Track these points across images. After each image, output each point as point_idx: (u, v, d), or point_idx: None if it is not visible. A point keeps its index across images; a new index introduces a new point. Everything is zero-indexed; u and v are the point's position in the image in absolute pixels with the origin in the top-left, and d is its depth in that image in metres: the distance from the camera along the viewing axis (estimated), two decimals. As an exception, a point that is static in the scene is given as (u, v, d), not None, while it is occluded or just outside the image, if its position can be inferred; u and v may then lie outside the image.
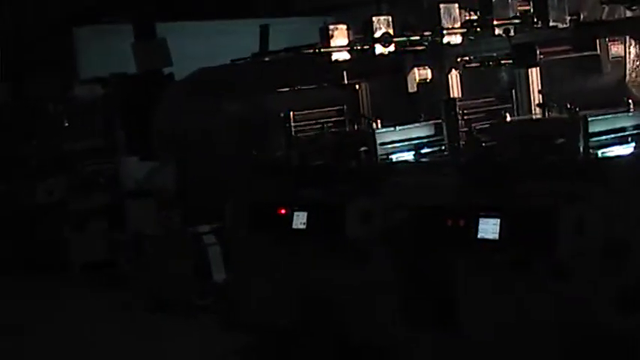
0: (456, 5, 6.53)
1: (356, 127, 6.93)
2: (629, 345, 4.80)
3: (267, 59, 8.66)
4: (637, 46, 6.03)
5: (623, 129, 5.49)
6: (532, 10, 6.11)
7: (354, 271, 6.09)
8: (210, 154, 8.39)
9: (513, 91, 6.35)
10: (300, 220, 6.35)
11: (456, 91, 6.63)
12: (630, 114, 5.52)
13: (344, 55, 7.10)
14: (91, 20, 14.01)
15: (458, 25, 6.47)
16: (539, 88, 6.06)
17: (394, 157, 6.40)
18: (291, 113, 7.10)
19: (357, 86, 7.31)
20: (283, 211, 6.48)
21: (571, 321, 4.97)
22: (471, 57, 6.56)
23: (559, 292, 4.98)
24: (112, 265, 9.41)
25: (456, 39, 6.51)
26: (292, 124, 7.10)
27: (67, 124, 10.40)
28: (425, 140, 6.54)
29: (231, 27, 14.29)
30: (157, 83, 11.05)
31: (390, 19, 6.88)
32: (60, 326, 8.15)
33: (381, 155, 6.37)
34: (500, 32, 6.08)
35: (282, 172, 6.92)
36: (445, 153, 6.34)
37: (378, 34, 6.75)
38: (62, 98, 10.50)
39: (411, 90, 6.98)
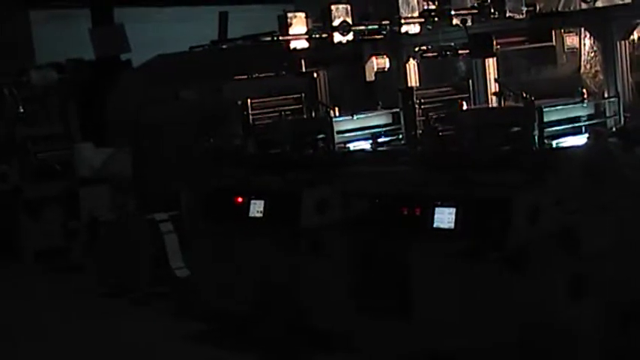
0: (415, -6, 6.56)
1: (314, 115, 6.96)
2: (579, 332, 4.88)
3: (225, 47, 8.64)
4: (591, 38, 6.11)
5: (577, 119, 5.57)
6: (489, 1, 6.16)
7: (309, 259, 6.12)
8: (166, 141, 8.36)
9: (470, 80, 6.41)
10: (257, 208, 6.37)
11: (413, 81, 6.66)
12: (584, 104, 5.60)
13: (302, 44, 7.11)
14: (48, 4, 13.88)
15: (416, 14, 6.50)
16: (496, 77, 6.12)
17: (351, 146, 6.43)
18: (249, 101, 7.11)
19: (315, 74, 7.33)
20: (240, 200, 6.49)
21: (524, 309, 5.03)
22: (429, 46, 6.59)
23: (513, 281, 5.04)
24: (67, 253, 9.35)
25: (414, 28, 6.55)
26: (250, 112, 7.12)
27: (21, 110, 10.29)
28: (382, 129, 6.58)
29: (190, 14, 14.25)
30: (114, 70, 10.98)
31: (349, 7, 6.89)
32: (12, 312, 8.10)
33: (339, 144, 6.41)
34: (458, 22, 6.11)
35: (240, 160, 6.92)
36: (402, 142, 6.39)
37: (336, 23, 6.77)
38: (17, 83, 10.38)
39: (368, 79, 7.00)
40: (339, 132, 6.41)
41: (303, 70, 7.18)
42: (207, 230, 6.92)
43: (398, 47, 6.64)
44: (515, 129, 5.31)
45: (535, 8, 6.21)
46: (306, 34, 7.03)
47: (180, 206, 7.45)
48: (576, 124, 5.56)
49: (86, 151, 9.40)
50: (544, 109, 5.30)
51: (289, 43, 7.09)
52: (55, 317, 7.84)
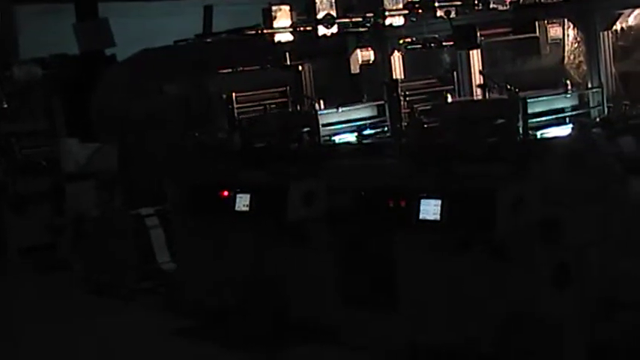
0: (399, -13, 6.58)
1: (299, 108, 6.97)
2: (564, 321, 4.92)
3: (210, 40, 8.64)
4: (575, 29, 6.14)
5: (561, 110, 5.60)
6: (473, -8, 6.19)
7: (296, 252, 6.14)
8: (152, 135, 8.36)
9: (455, 72, 6.43)
10: (243, 202, 6.38)
11: (398, 73, 6.69)
12: (568, 95, 5.63)
13: (287, 37, 7.11)
14: (32, -1, 13.83)
15: (400, 6, 6.52)
16: (480, 69, 6.14)
17: (337, 139, 6.45)
18: (234, 95, 7.11)
19: (299, 67, 7.33)
20: (226, 193, 6.50)
21: (510, 298, 5.07)
22: (413, 39, 6.61)
23: (498, 272, 5.07)
24: (53, 249, 9.34)
25: (398, 20, 6.56)
26: (235, 105, 7.12)
27: (5, 106, 10.25)
28: (367, 121, 6.59)
29: (175, 8, 14.22)
30: (98, 64, 10.95)
31: (333, 0, 6.90)
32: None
33: (324, 137, 6.42)
34: (442, 14, 6.13)
35: (225, 154, 6.93)
36: (387, 134, 6.40)
37: (320, 16, 6.78)
38: (0, 79, 10.34)
39: (353, 71, 7.03)
40: (324, 125, 6.42)
41: (288, 63, 7.19)
42: (193, 224, 6.93)
43: (382, 39, 6.66)
44: (500, 121, 5.33)
45: (519, -1, 6.23)
46: (290, 27, 7.04)
47: (166, 201, 7.45)
48: (560, 115, 5.59)
49: (71, 147, 9.37)
50: (528, 101, 5.32)
51: (274, 36, 7.10)
52: (41, 314, 7.83)
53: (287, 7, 7.06)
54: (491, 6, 6.11)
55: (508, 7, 6.07)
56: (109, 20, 11.86)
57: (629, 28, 6.18)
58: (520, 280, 5.01)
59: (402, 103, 6.20)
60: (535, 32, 6.37)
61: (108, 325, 7.28)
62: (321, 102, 6.55)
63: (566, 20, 6.26)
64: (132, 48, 9.74)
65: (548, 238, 4.92)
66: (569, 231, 4.88)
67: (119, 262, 7.91)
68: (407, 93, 6.25)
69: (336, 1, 6.83)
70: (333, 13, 6.82)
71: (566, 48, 6.37)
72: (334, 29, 6.79)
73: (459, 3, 6.23)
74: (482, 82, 5.91)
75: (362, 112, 6.64)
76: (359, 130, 6.41)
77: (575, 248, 4.92)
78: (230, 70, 7.78)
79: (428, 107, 6.06)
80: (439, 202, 5.25)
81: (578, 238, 4.92)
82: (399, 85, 6.26)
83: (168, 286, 7.49)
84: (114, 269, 7.97)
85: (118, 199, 8.40)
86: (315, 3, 6.82)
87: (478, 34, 5.83)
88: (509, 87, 5.43)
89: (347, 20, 6.84)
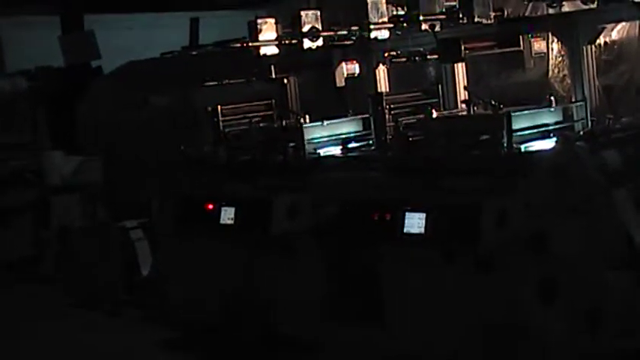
0: (384, 0, 6.58)
1: (284, 122, 6.96)
2: (549, 335, 4.91)
3: (195, 53, 8.62)
4: (558, 43, 6.15)
5: (545, 124, 5.61)
6: (458, 6, 6.18)
7: (281, 265, 6.13)
8: (137, 148, 8.34)
9: (440, 85, 6.44)
10: (227, 215, 6.38)
11: (383, 86, 6.69)
12: (552, 109, 5.64)
13: (272, 50, 7.10)
14: (18, 11, 13.78)
15: (385, 19, 6.51)
16: (465, 83, 6.15)
17: (322, 152, 6.44)
18: (219, 108, 7.11)
19: (285, 81, 7.33)
20: (211, 207, 6.50)
21: (495, 313, 5.06)
22: (398, 52, 6.61)
23: (483, 286, 5.07)
24: (38, 263, 9.29)
25: (383, 34, 6.56)
26: (220, 118, 7.11)
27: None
28: (352, 135, 6.59)
29: (161, 20, 14.20)
30: (84, 77, 10.93)
31: (319, 13, 6.90)
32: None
33: (309, 150, 6.41)
34: (427, 27, 6.13)
35: (210, 167, 6.92)
36: (372, 148, 6.40)
37: (306, 29, 6.76)
38: (-16, 91, 10.32)
39: (339, 85, 7.02)
40: (309, 138, 6.42)
41: (273, 76, 7.18)
42: (178, 237, 6.91)
43: (367, 53, 6.66)
44: (485, 136, 5.33)
45: (503, 13, 6.24)
46: (275, 40, 7.03)
47: (151, 213, 7.43)
48: (544, 129, 5.59)
49: (56, 160, 9.35)
50: (512, 115, 5.33)
51: (259, 49, 7.09)
52: (24, 328, 7.78)
53: (272, 20, 7.05)
54: (476, 20, 6.10)
55: (492, 20, 6.08)
56: (95, 32, 11.84)
57: (612, 42, 6.22)
58: (505, 294, 5.01)
59: (387, 116, 6.19)
60: (519, 46, 6.36)
61: (92, 338, 7.25)
62: (306, 115, 6.55)
63: (550, 34, 6.27)
64: (118, 60, 9.73)
65: (533, 251, 4.92)
66: (554, 244, 4.88)
67: (104, 276, 7.88)
68: (392, 106, 6.24)
69: (321, 15, 6.82)
70: (319, 26, 6.81)
71: (551, 62, 6.39)
72: (319, 42, 6.77)
73: (443, 17, 6.23)
74: (466, 97, 5.91)
75: (347, 125, 6.64)
76: (344, 143, 6.40)
77: (560, 261, 4.91)
78: (216, 83, 7.77)
79: (413, 120, 6.07)
80: (424, 215, 5.26)
81: (563, 251, 4.92)
82: (384, 98, 6.26)
83: (153, 300, 7.46)
84: (98, 283, 7.94)
85: (103, 211, 8.38)
86: (300, 16, 6.81)
87: (462, 47, 5.83)
88: (493, 103, 5.43)
89: (332, 33, 6.83)
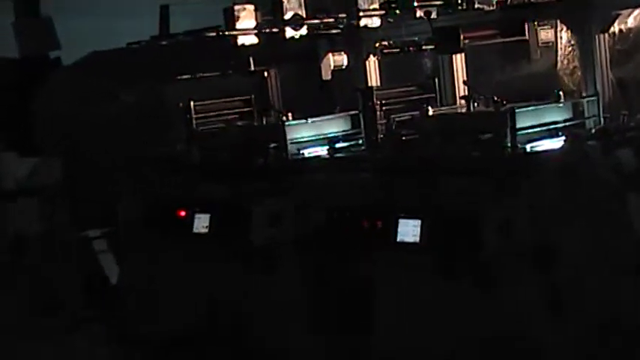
0: (374, -16, 6.64)
1: (264, 119, 6.99)
2: (556, 352, 4.96)
3: (166, 43, 8.64)
4: (568, 31, 6.20)
5: (552, 121, 5.65)
6: (456, -9, 6.25)
7: (261, 278, 6.16)
8: (101, 148, 8.36)
9: (437, 79, 6.49)
10: (201, 223, 6.40)
11: (374, 80, 6.74)
12: (561, 105, 5.69)
13: (251, 39, 7.14)
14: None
15: (376, 6, 6.56)
16: (464, 76, 6.19)
17: (306, 153, 6.49)
18: (192, 104, 7.13)
19: (265, 74, 7.37)
20: (183, 213, 6.54)
21: (497, 329, 5.11)
22: (390, 42, 6.65)
23: (484, 299, 5.11)
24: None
25: (374, 22, 6.61)
26: (193, 115, 7.14)
27: None
28: (340, 134, 6.64)
29: (128, 6, 14.18)
30: (41, 68, 10.92)
31: (302, -1, 6.95)
32: None
33: (292, 151, 6.45)
34: (422, 15, 6.19)
35: (182, 169, 6.94)
36: (362, 148, 6.44)
37: (288, 16, 6.81)
38: None
39: (325, 78, 7.07)
40: (292, 138, 6.46)
41: (252, 69, 7.21)
42: (146, 247, 6.93)
43: (356, 43, 6.71)
44: (486, 135, 5.38)
45: (506, -1, 6.30)
46: (255, 28, 7.07)
47: (117, 221, 7.45)
48: (552, 127, 5.64)
49: (9, 161, 9.34)
50: (517, 112, 5.38)
51: (236, 38, 7.12)
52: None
53: (251, 7, 7.09)
54: (477, 6, 6.17)
55: (495, 7, 6.13)
56: (54, 19, 11.83)
57: (628, 30, 6.26)
58: (509, 308, 5.05)
59: (378, 113, 6.24)
60: (524, 35, 6.43)
61: (48, 356, 7.25)
62: (289, 112, 6.59)
63: (558, 22, 6.32)
64: (79, 51, 9.73)
65: (539, 261, 4.96)
66: (562, 253, 4.93)
67: (63, 289, 7.89)
68: (383, 102, 6.29)
69: (305, 1, 6.86)
70: (302, 13, 6.85)
71: (559, 52, 6.44)
72: (303, 31, 6.82)
73: (440, 3, 6.28)
74: (466, 92, 5.96)
75: (334, 123, 6.68)
76: (331, 143, 6.44)
77: (569, 272, 4.96)
78: (188, 77, 7.79)
79: (407, 118, 6.11)
80: (418, 222, 5.30)
81: (573, 261, 4.96)
82: (375, 93, 6.30)
83: (117, 315, 7.47)
84: (58, 296, 7.95)
85: (63, 219, 8.38)
86: (282, 2, 6.85)
87: (462, 36, 5.88)
88: (495, 98, 5.48)
89: (317, 21, 6.88)
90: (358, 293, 5.66)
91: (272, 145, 6.47)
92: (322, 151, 6.47)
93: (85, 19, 13.27)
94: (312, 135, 6.56)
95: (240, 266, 6.27)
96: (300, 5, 6.87)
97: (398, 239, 5.36)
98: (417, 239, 5.29)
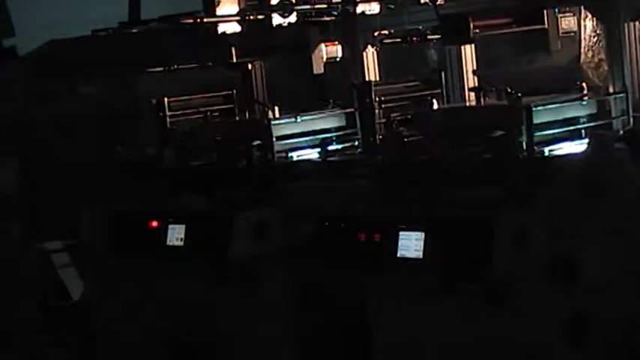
0: (373, -34, 6.65)
1: (247, 116, 6.98)
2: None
3: (136, 31, 8.63)
4: (593, 19, 6.20)
5: (575, 120, 5.65)
6: (465, -27, 6.25)
7: (243, 297, 6.14)
8: (63, 150, 8.35)
9: (443, 73, 6.49)
10: (176, 234, 6.40)
11: (372, 73, 6.74)
12: (584, 102, 5.69)
13: (233, 27, 7.14)
14: None
15: (375, -10, 6.58)
16: (474, 68, 6.19)
17: (295, 155, 6.48)
18: (166, 100, 7.12)
19: (249, 66, 7.36)
20: (155, 224, 6.53)
21: (512, 355, 5.09)
22: (391, 31, 6.65)
23: (495, 322, 5.10)
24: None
25: (373, 8, 6.61)
26: (167, 113, 7.13)
27: None
28: (334, 134, 6.64)
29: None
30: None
31: (292, -18, 6.95)
32: None
33: (279, 153, 6.45)
34: (427, 0, 6.19)
35: (155, 174, 6.93)
36: (359, 150, 6.45)
37: (275, 1, 6.81)
38: None
39: (316, 71, 7.06)
40: (279, 138, 6.46)
41: (235, 60, 7.21)
42: (114, 262, 6.91)
43: (352, 31, 6.72)
44: (498, 133, 5.37)
45: (522, -17, 6.31)
46: (237, 15, 7.07)
47: (80, 233, 7.42)
48: (574, 127, 5.64)
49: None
50: (534, 109, 5.37)
51: (217, 26, 7.12)
52: None
53: (234, -10, 7.10)
54: (488, -10, 6.18)
55: (509, -9, 6.14)
56: (8, 3, 11.82)
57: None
58: (523, 333, 5.04)
59: (376, 110, 6.24)
60: (543, 23, 6.42)
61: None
62: (276, 109, 6.58)
63: (582, 8, 6.32)
64: (38, 39, 9.71)
65: (558, 280, 4.95)
66: (585, 271, 4.92)
67: (20, 309, 7.87)
68: (383, 98, 6.30)
69: (294, -17, 6.87)
70: (292, -3, 6.86)
71: (583, 43, 6.44)
72: (292, 18, 6.82)
73: (447, -14, 6.30)
74: (476, 84, 5.96)
75: (327, 121, 6.69)
76: (323, 144, 6.43)
77: (592, 292, 4.95)
78: (162, 69, 7.78)
79: (409, 116, 6.10)
80: (422, 235, 5.30)
81: (596, 280, 4.95)
82: (373, 88, 6.31)
83: (80, 339, 7.46)
84: (13, 316, 7.93)
85: (19, 229, 8.36)
86: (268, -15, 6.87)
87: (471, 25, 5.87)
88: (509, 91, 5.47)
89: (308, 7, 6.88)
90: (353, 317, 5.65)
91: (256, 144, 6.44)
92: (313, 153, 6.47)
93: (45, 4, 13.27)
94: (301, 134, 6.57)
95: (219, 284, 6.24)
96: (289, -12, 6.88)
97: (398, 254, 5.36)
98: (420, 254, 5.29)
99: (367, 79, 6.67)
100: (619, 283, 4.99)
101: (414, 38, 6.61)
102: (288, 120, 6.57)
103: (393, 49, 6.78)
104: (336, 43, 7.00)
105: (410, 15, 6.44)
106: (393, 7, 6.60)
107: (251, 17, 7.05)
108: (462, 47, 6.26)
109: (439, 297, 5.27)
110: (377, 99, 6.28)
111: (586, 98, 5.72)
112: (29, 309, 7.83)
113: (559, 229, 5.00)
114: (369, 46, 6.73)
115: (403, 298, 5.42)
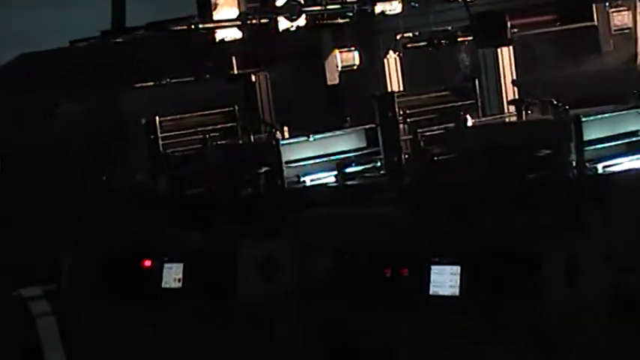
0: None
1: (252, 138, 6.99)
2: None
3: (122, 40, 8.66)
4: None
5: (631, 133, 5.64)
6: (500, -35, 6.26)
7: (251, 343, 6.15)
8: (41, 178, 8.37)
9: (477, 81, 6.48)
10: (173, 275, 6.41)
11: (395, 83, 6.75)
12: (643, 111, 5.70)
13: (233, 33, 7.16)
14: None
15: (396, -14, 6.61)
16: (513, 78, 6.20)
17: (308, 180, 6.49)
18: (158, 119, 7.13)
19: (252, 78, 7.38)
20: (149, 263, 6.54)
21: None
22: (416, 33, 6.67)
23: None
24: None
25: (394, 7, 6.62)
26: (159, 134, 7.13)
27: None
28: (352, 154, 6.64)
29: (72, -6, 14.28)
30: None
31: (300, -20, 6.98)
32: None
33: (290, 178, 6.45)
34: (456, -3, 6.23)
35: (147, 205, 6.95)
36: (381, 172, 6.44)
37: (280, 3, 6.83)
38: None
39: (330, 82, 7.08)
40: (289, 161, 6.46)
41: (236, 72, 7.24)
42: (100, 309, 6.92)
43: (371, 35, 6.72)
44: (544, 152, 5.37)
45: (567, -26, 6.33)
46: (237, 19, 7.09)
47: (62, 277, 7.44)
48: (630, 140, 5.63)
49: None
50: (584, 121, 5.36)
51: (214, 32, 7.14)
52: None
53: (233, -8, 7.12)
54: (527, -16, 6.20)
55: (551, -15, 6.16)
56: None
57: None
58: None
59: (400, 125, 6.24)
60: (592, 20, 6.43)
61: None
62: (285, 128, 6.59)
63: (638, 1, 6.33)
64: (10, 51, 9.76)
65: (617, 317, 4.94)
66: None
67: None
68: (408, 112, 6.29)
69: (303, -18, 6.90)
70: (300, -2, 6.89)
71: (639, 42, 6.44)
72: (301, 22, 6.83)
73: (479, -20, 6.32)
74: (516, 95, 5.96)
75: (344, 140, 6.71)
76: (340, 167, 6.44)
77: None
78: (152, 84, 7.80)
79: (439, 132, 6.10)
80: (458, 269, 5.29)
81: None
82: (397, 100, 6.30)
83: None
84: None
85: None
86: (272, -16, 6.90)
87: (509, 24, 5.88)
88: (554, 102, 5.47)
89: (319, 8, 6.90)
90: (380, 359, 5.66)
91: (263, 170, 6.45)
92: (329, 177, 6.48)
93: (19, 13, 13.35)
94: (315, 156, 6.58)
95: (223, 330, 6.25)
96: (297, -12, 6.91)
97: (431, 291, 5.37)
98: (457, 291, 5.29)
99: (389, 89, 6.67)
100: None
101: (442, 41, 6.64)
102: (299, 140, 6.57)
103: (419, 54, 6.80)
104: (353, 48, 7.02)
105: (437, 14, 6.46)
106: (417, 5, 6.61)
107: (253, 21, 7.06)
108: (499, 50, 6.25)
109: (479, 341, 5.25)
110: (401, 112, 6.27)
111: (645, 106, 5.72)
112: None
113: (617, 256, 5.00)
114: (391, 52, 6.75)
115: (437, 341, 5.42)
